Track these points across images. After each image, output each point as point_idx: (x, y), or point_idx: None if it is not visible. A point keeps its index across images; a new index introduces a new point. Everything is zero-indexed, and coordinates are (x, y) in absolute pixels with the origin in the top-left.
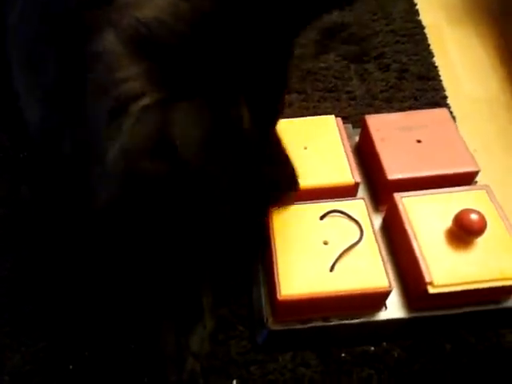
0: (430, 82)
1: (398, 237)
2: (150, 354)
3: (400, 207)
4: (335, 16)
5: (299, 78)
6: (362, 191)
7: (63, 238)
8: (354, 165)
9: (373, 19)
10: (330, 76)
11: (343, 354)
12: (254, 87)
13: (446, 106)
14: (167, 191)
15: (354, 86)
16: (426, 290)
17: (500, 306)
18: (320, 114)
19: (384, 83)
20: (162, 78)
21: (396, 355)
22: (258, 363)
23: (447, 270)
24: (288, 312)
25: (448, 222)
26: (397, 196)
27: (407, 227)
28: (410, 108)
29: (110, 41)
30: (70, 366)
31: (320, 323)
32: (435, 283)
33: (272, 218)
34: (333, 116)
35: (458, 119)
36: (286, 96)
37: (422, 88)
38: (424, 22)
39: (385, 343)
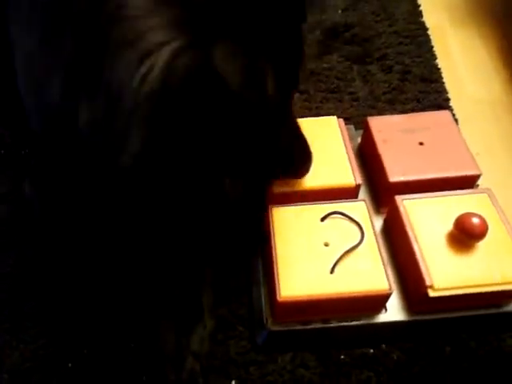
0: (432, 84)
1: (399, 239)
2: (149, 353)
3: (401, 210)
4: (338, 16)
5: (302, 79)
6: (363, 193)
7: (65, 236)
8: (355, 166)
9: (376, 20)
10: (333, 77)
11: (342, 356)
12: (274, 48)
13: (449, 108)
14: (201, 129)
15: (356, 87)
16: (427, 293)
17: (501, 310)
18: (322, 115)
19: (387, 85)
20: (189, 25)
21: (395, 358)
22: (258, 364)
23: (448, 273)
24: (288, 313)
25: (449, 226)
26: (398, 198)
27: (408, 230)
28: (413, 110)
29: None
30: (69, 364)
31: (320, 325)
32: (436, 286)
33: (272, 219)
34: (335, 117)
35: (460, 121)
36: None
37: (424, 90)
38: (427, 24)
39: (384, 346)
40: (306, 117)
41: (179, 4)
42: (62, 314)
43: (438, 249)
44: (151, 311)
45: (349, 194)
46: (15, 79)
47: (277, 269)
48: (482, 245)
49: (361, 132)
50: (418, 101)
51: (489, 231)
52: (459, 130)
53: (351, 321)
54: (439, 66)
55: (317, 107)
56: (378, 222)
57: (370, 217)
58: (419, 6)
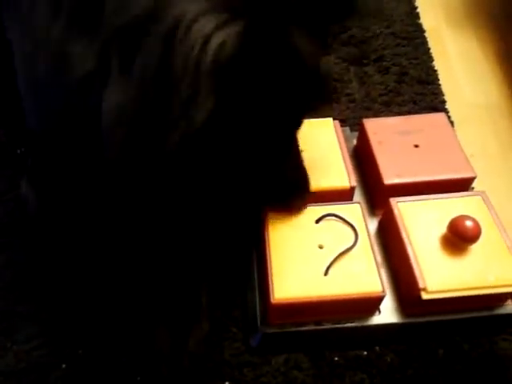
0: (429, 86)
1: (393, 242)
2: (145, 354)
3: (395, 212)
4: None
5: None
6: (358, 194)
7: (62, 234)
8: (350, 169)
9: (373, 22)
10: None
11: (336, 358)
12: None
13: (445, 110)
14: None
15: (353, 88)
16: (420, 296)
17: (493, 312)
18: (318, 117)
19: (383, 86)
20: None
21: (389, 360)
22: (251, 365)
23: (441, 276)
24: (281, 315)
25: (443, 228)
26: (392, 201)
27: (402, 232)
28: (409, 112)
29: None
30: (63, 365)
31: (313, 327)
32: (429, 289)
33: (267, 221)
34: (331, 119)
35: (456, 124)
36: None
37: (421, 92)
38: (424, 26)
39: (378, 348)
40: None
41: None
42: (56, 314)
43: (432, 251)
44: (148, 312)
45: (343, 196)
46: (13, 79)
47: (271, 271)
48: (475, 248)
49: (356, 134)
50: (415, 103)
51: (482, 234)
52: (454, 133)
53: (345, 323)
54: (436, 68)
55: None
56: (373, 224)
57: (365, 219)
58: (416, 7)
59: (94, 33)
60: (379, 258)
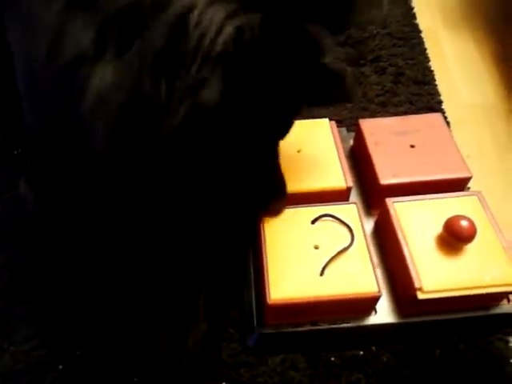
0: (425, 87)
1: (389, 242)
2: (142, 354)
3: (391, 212)
4: None
5: None
6: (354, 195)
7: (60, 235)
8: (346, 169)
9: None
10: None
11: (332, 358)
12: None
13: (441, 110)
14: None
15: None
16: (416, 296)
17: (489, 312)
18: (315, 117)
19: (380, 87)
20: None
21: (385, 360)
22: (248, 365)
23: (437, 276)
24: (278, 316)
25: (439, 228)
26: (388, 201)
27: (398, 232)
28: (406, 112)
29: None
30: (60, 366)
31: (310, 327)
32: (425, 289)
33: (263, 221)
34: (327, 119)
35: (452, 124)
36: None
37: (417, 92)
38: (421, 26)
39: (374, 348)
40: (298, 119)
41: None
42: (53, 315)
43: (428, 251)
44: (146, 313)
45: (340, 196)
46: (11, 81)
47: (267, 271)
48: (470, 247)
49: (353, 134)
50: (411, 103)
51: (478, 234)
52: (451, 133)
53: (341, 323)
54: (432, 69)
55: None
56: (369, 224)
57: (361, 219)
58: (413, 8)
59: (91, 14)
60: (375, 259)
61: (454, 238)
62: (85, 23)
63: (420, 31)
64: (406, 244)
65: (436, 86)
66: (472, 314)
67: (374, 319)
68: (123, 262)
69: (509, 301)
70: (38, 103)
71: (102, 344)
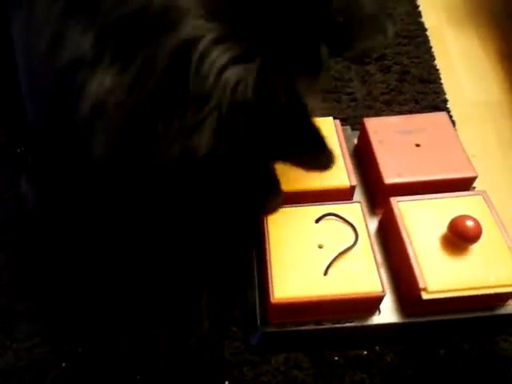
0: (430, 85)
1: (393, 241)
2: (145, 352)
3: (396, 212)
4: None
5: None
6: (359, 194)
7: (62, 233)
8: (350, 168)
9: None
10: (330, 77)
11: (336, 358)
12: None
13: (446, 109)
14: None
15: (354, 87)
16: (420, 296)
17: (494, 312)
18: (319, 115)
19: (385, 85)
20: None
21: (389, 360)
22: (251, 364)
23: (441, 276)
24: (281, 315)
25: (443, 228)
26: (393, 200)
27: (402, 232)
28: (411, 111)
29: None
30: (63, 364)
31: (313, 326)
32: (429, 289)
33: (267, 220)
34: (331, 118)
35: (457, 123)
36: None
37: (422, 91)
38: (426, 24)
39: (378, 347)
40: None
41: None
42: (55, 312)
43: (432, 251)
44: (148, 311)
45: (344, 195)
46: (14, 79)
47: (270, 270)
48: (475, 248)
49: (357, 133)
50: (416, 102)
51: (483, 234)
52: (456, 132)
53: (345, 322)
54: (437, 67)
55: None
56: (374, 224)
57: (365, 219)
58: (418, 6)
59: (91, 19)
60: (379, 258)
61: (459, 237)
62: (84, 28)
63: (425, 29)
64: (411, 244)
65: (441, 84)
66: (477, 315)
67: (377, 319)
68: (125, 259)
69: None
70: (39, 102)
71: (104, 341)
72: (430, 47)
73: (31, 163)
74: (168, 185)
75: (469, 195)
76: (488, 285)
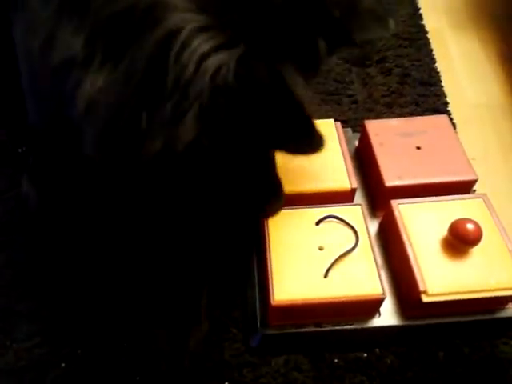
0: (431, 88)
1: (394, 244)
2: (145, 353)
3: (396, 214)
4: None
5: None
6: (359, 196)
7: (63, 233)
8: (351, 170)
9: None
10: (332, 79)
11: (336, 360)
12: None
13: (447, 112)
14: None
15: (355, 89)
16: (420, 299)
17: (494, 316)
18: (320, 117)
19: (385, 88)
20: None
21: (389, 362)
22: (251, 366)
23: (442, 279)
24: (281, 317)
25: (444, 231)
26: (393, 203)
27: (403, 235)
28: (411, 114)
29: None
30: (63, 364)
31: (313, 328)
32: (429, 292)
33: (267, 222)
34: (332, 120)
35: (458, 126)
36: None
37: (423, 94)
38: (427, 27)
39: (378, 350)
40: None
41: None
42: (56, 313)
43: (433, 254)
44: (148, 312)
45: (344, 197)
46: (16, 79)
47: (271, 272)
48: (476, 250)
49: (358, 135)
50: (417, 104)
51: (483, 237)
52: (456, 135)
53: (345, 325)
54: (438, 70)
55: (315, 109)
56: (374, 226)
57: (365, 221)
58: (419, 9)
59: (82, 18)
60: (380, 260)
61: (460, 240)
62: (75, 28)
63: (426, 32)
64: (411, 246)
65: (442, 87)
66: (477, 318)
67: (377, 321)
68: (125, 260)
69: None
70: (39, 102)
71: (103, 342)
72: (431, 50)
73: (32, 163)
74: (158, 180)
75: (469, 198)
76: (488, 288)
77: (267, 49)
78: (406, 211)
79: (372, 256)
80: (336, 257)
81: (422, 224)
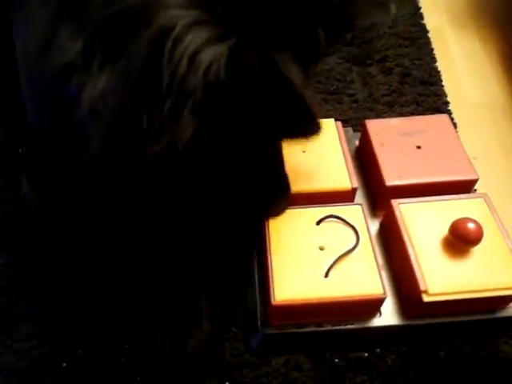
0: (432, 87)
1: (394, 244)
2: (145, 354)
3: (397, 214)
4: None
5: None
6: (360, 196)
7: (62, 233)
8: (352, 170)
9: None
10: (332, 78)
11: (336, 360)
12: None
13: (448, 111)
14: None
15: (356, 89)
16: (421, 298)
17: (495, 315)
18: (321, 117)
19: (386, 87)
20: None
21: (389, 362)
22: (251, 366)
23: (442, 278)
24: (282, 316)
25: (445, 230)
26: (394, 203)
27: (403, 234)
28: (412, 113)
29: None
30: (64, 364)
31: (314, 328)
32: (430, 292)
33: (268, 222)
34: (333, 119)
35: (459, 125)
36: None
37: (423, 93)
38: (428, 26)
39: (379, 350)
40: None
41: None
42: (56, 313)
43: (433, 254)
44: (148, 313)
45: (345, 197)
46: (15, 80)
47: (271, 272)
48: (477, 250)
49: (359, 134)
50: (418, 104)
51: (484, 236)
52: (457, 134)
53: (345, 324)
54: (439, 69)
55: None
56: (375, 226)
57: (366, 221)
58: (420, 8)
59: (79, 22)
60: (380, 260)
61: (461, 240)
62: (72, 33)
63: (427, 31)
64: (412, 246)
65: (443, 86)
66: (478, 317)
67: (378, 321)
68: (125, 260)
69: None
70: (39, 103)
71: (104, 343)
72: (432, 49)
73: (32, 164)
74: (161, 179)
75: (470, 197)
76: (489, 287)
77: (260, 38)
78: (406, 211)
79: (373, 256)
80: (337, 256)
81: (423, 223)
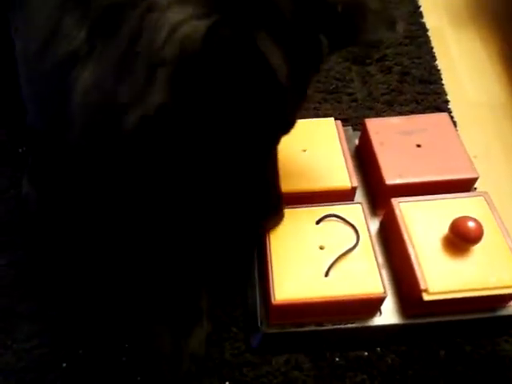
0: (431, 86)
1: (395, 242)
2: (145, 354)
3: (397, 212)
4: None
5: None
6: (360, 195)
7: (63, 233)
8: (351, 169)
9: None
10: (332, 77)
11: (337, 359)
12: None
13: (448, 110)
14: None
15: (355, 88)
16: (421, 297)
17: (495, 314)
18: (320, 116)
19: (385, 86)
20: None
21: (390, 361)
22: (252, 365)
23: (443, 277)
24: (282, 316)
25: (445, 229)
26: (394, 201)
27: (404, 233)
28: (412, 112)
29: None
30: (64, 364)
31: (314, 327)
32: (430, 290)
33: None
34: (332, 119)
35: (459, 124)
36: None
37: (423, 92)
38: (427, 25)
39: (379, 349)
40: (304, 118)
41: None
42: (56, 313)
43: (434, 252)
44: (149, 312)
45: (345, 196)
46: (15, 79)
47: (272, 271)
48: (477, 249)
49: (358, 133)
50: (417, 102)
51: (484, 235)
52: (457, 133)
53: (346, 324)
54: (439, 68)
55: (315, 108)
56: (375, 225)
57: (366, 220)
58: (419, 7)
59: (83, 11)
60: (380, 259)
61: (461, 239)
62: (77, 21)
63: (427, 30)
64: (412, 245)
65: (442, 85)
66: (478, 316)
67: (378, 320)
68: (126, 259)
69: None
70: (39, 102)
71: (104, 343)
72: (432, 48)
73: (32, 163)
74: (145, 162)
75: (470, 196)
76: (489, 286)
77: (242, 18)
78: (406, 209)
79: (373, 255)
80: (337, 256)
81: (423, 222)
